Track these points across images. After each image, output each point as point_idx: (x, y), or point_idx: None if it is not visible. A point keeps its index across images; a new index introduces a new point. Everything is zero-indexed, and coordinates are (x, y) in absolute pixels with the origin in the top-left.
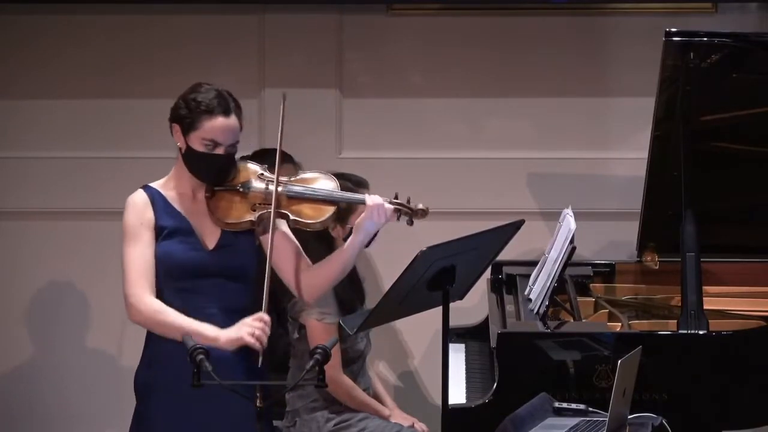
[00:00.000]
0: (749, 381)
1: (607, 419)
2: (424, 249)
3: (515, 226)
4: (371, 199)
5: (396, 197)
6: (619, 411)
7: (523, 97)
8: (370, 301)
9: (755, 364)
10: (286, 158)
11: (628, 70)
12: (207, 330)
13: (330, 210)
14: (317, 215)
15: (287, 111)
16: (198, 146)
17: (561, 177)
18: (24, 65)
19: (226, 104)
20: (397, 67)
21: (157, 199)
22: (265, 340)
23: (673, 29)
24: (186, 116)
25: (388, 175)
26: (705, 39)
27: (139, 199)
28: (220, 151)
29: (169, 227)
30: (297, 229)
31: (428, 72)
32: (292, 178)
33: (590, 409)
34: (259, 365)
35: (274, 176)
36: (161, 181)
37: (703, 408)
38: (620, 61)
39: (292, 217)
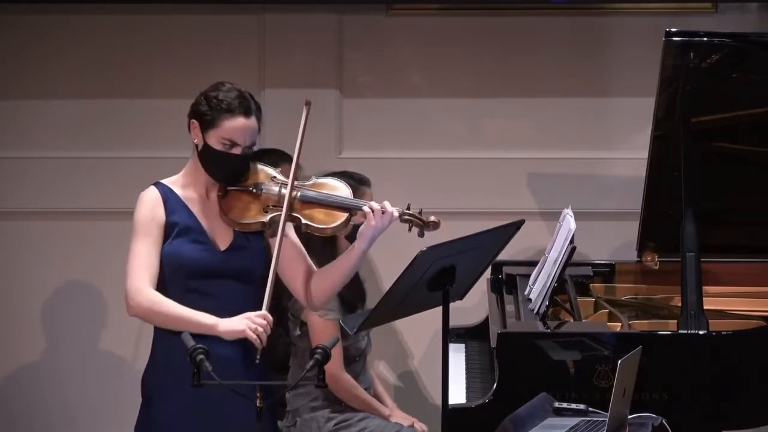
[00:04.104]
0: (749, 381)
1: (607, 419)
2: (424, 249)
3: (515, 226)
4: (371, 206)
5: (408, 208)
6: (619, 411)
7: (523, 97)
8: (370, 301)
9: (755, 364)
10: (286, 157)
11: (628, 70)
12: (204, 317)
13: (342, 217)
14: (330, 221)
15: (293, 110)
16: (216, 144)
17: (561, 177)
18: (24, 65)
19: (248, 105)
20: (397, 67)
21: (169, 197)
22: (265, 338)
23: (673, 29)
24: (206, 113)
25: (388, 175)
26: (705, 39)
27: (151, 196)
28: (237, 151)
29: (181, 225)
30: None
31: (428, 72)
32: (306, 183)
33: (590, 409)
34: (257, 361)
35: (287, 179)
36: (173, 178)
37: (703, 408)
38: (620, 61)
39: (304, 221)
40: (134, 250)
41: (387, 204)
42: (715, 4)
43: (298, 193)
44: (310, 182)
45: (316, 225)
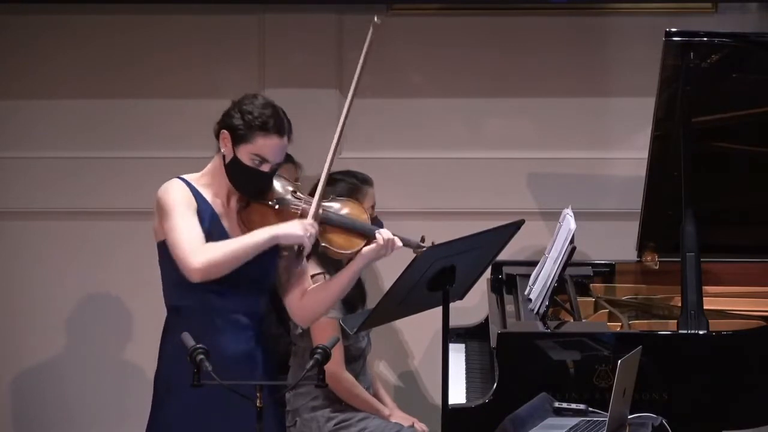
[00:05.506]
0: (749, 381)
1: (607, 419)
2: (424, 249)
3: (515, 226)
4: (382, 234)
5: (423, 240)
6: (619, 411)
7: (523, 97)
8: (370, 301)
9: (755, 364)
10: (287, 158)
11: (628, 70)
12: (260, 235)
13: (360, 243)
14: (348, 246)
15: (293, 110)
16: (245, 159)
17: (561, 177)
18: (24, 65)
19: (282, 124)
20: (397, 67)
21: (195, 193)
22: (312, 243)
23: (673, 29)
24: (239, 128)
25: (388, 175)
26: (705, 39)
27: (181, 183)
28: (265, 168)
29: (206, 222)
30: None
31: (428, 72)
32: (328, 203)
33: (590, 409)
34: (304, 261)
35: (306, 196)
36: (193, 176)
37: (703, 408)
38: (620, 61)
39: (323, 243)
40: (179, 224)
41: (396, 239)
42: (715, 4)
43: (321, 214)
44: (330, 201)
45: (334, 249)
